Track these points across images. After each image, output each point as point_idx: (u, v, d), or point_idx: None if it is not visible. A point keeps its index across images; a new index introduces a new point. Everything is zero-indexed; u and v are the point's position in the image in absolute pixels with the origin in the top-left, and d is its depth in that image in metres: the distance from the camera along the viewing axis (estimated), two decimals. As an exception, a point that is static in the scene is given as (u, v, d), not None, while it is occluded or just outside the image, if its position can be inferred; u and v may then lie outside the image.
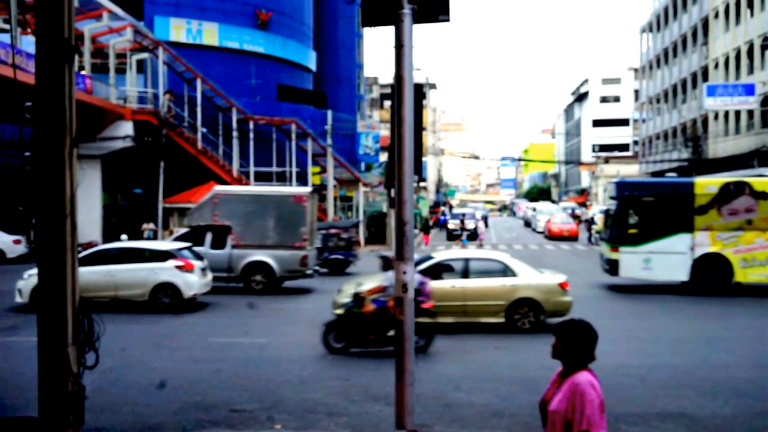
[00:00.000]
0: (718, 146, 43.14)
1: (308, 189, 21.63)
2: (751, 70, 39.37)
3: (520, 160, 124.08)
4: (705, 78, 45.52)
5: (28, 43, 25.88)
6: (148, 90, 33.28)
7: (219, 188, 21.26)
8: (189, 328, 14.15)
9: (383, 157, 49.38)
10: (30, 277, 15.64)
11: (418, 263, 13.77)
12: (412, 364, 5.88)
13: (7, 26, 28.84)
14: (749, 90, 36.42)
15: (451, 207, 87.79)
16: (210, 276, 17.27)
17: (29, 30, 21.23)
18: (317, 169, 39.96)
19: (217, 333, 13.51)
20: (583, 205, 71.19)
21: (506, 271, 13.65)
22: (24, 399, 8.06)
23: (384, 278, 11.77)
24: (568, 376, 3.76)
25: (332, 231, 25.08)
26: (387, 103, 69.33)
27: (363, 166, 50.19)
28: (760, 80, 37.17)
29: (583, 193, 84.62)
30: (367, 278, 14.22)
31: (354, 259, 24.93)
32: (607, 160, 71.79)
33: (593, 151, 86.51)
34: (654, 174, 51.58)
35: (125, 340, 12.14)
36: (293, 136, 37.21)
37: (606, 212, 22.28)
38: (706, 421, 8.05)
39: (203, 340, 12.68)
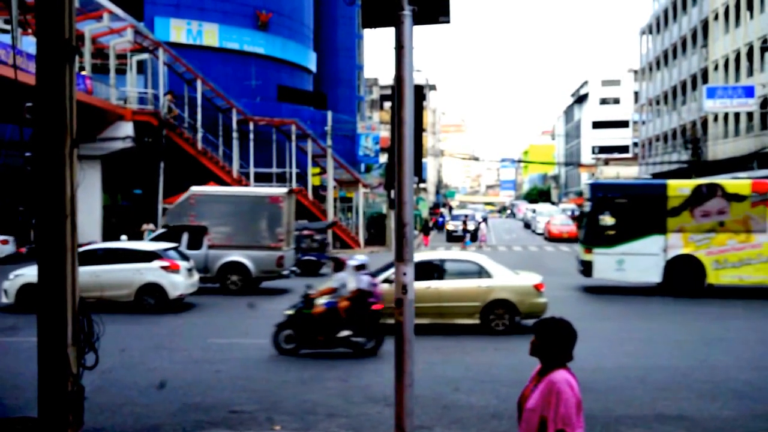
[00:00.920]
0: (718, 148, 43.15)
1: (284, 190, 21.65)
2: (750, 72, 39.38)
3: (519, 161, 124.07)
4: (705, 80, 45.54)
5: (28, 43, 25.87)
6: (148, 91, 33.27)
7: (195, 189, 21.28)
8: (188, 329, 14.16)
9: (383, 158, 49.35)
10: (16, 278, 15.67)
11: (390, 265, 13.82)
12: (411, 365, 5.88)
13: (7, 27, 28.83)
14: (749, 92, 36.42)
15: (450, 208, 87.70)
16: (196, 276, 17.29)
17: (30, 30, 21.21)
18: (317, 170, 39.94)
19: (217, 334, 13.52)
20: (582, 206, 71.09)
21: (481, 273, 13.61)
22: (23, 399, 8.06)
23: (334, 279, 11.78)
24: (546, 375, 3.75)
25: (305, 232, 25.07)
26: (387, 105, 69.32)
27: (363, 167, 50.16)
28: (759, 82, 37.17)
29: (583, 194, 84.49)
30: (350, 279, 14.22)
31: (327, 260, 24.89)
32: (606, 162, 71.80)
33: (593, 152, 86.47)
34: (654, 176, 51.58)
35: (125, 340, 12.14)
36: (293, 137, 37.20)
37: (580, 214, 22.36)
38: (706, 423, 8.04)
39: (202, 341, 12.68)
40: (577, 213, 60.69)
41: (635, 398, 9.02)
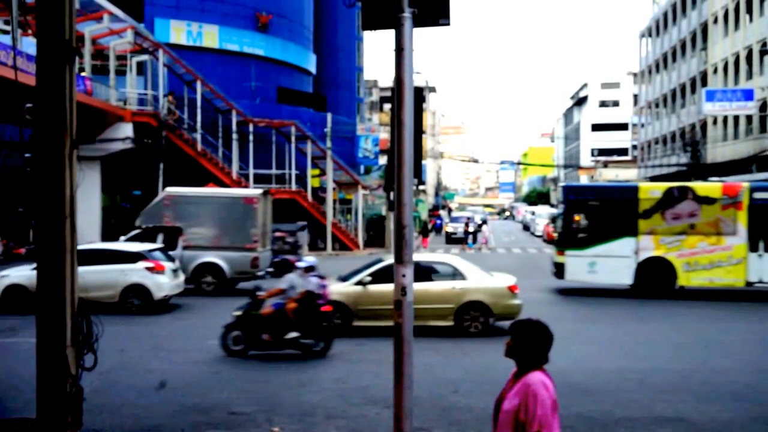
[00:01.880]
0: (717, 151, 43.18)
1: (259, 191, 21.70)
2: (749, 76, 39.42)
3: (519, 163, 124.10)
4: (704, 83, 45.59)
5: (28, 44, 25.87)
6: (148, 92, 33.27)
7: (170, 190, 21.33)
8: (187, 331, 14.15)
9: (382, 160, 49.35)
10: (1, 279, 15.74)
11: (368, 266, 13.83)
12: (410, 367, 5.88)
13: (7, 27, 28.82)
14: (748, 95, 36.47)
15: (450, 210, 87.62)
16: (182, 277, 17.29)
17: (30, 31, 21.21)
18: (316, 171, 39.95)
19: (215, 335, 13.48)
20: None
21: (456, 275, 13.55)
22: (22, 400, 8.05)
23: (283, 280, 11.75)
24: (522, 377, 3.74)
25: (277, 234, 25.06)
26: (386, 106, 69.33)
27: (362, 168, 50.15)
28: (758, 85, 37.21)
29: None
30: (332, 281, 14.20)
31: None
32: (606, 165, 71.80)
33: (592, 155, 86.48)
34: (653, 178, 51.60)
35: (124, 341, 12.14)
36: (293, 138, 37.21)
37: (556, 216, 22.45)
38: (704, 426, 8.04)
39: (202, 342, 12.65)
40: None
41: (633, 400, 9.02)
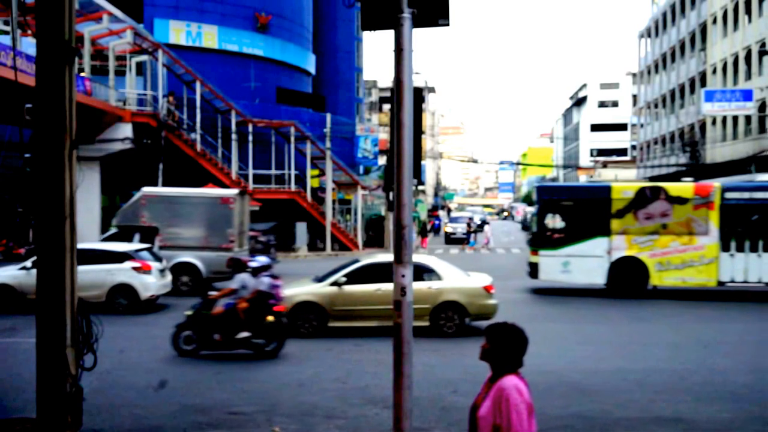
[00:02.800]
0: (716, 151, 43.20)
1: (236, 191, 21.69)
2: (748, 76, 39.46)
3: (518, 164, 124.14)
4: (703, 83, 45.61)
5: (28, 45, 25.87)
6: (147, 92, 33.25)
7: (147, 189, 21.29)
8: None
9: (382, 160, 49.37)
10: None
11: (344, 267, 13.81)
12: (409, 367, 5.88)
13: (7, 28, 28.82)
14: (747, 95, 36.49)
15: (449, 211, 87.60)
16: (169, 277, 17.27)
17: (30, 32, 21.22)
18: (316, 172, 39.94)
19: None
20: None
21: (431, 275, 13.48)
22: (22, 400, 8.06)
23: (234, 280, 11.72)
24: (496, 381, 3.71)
25: (250, 233, 24.98)
26: (386, 107, 69.31)
27: (361, 169, 50.14)
28: (757, 86, 37.24)
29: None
30: (305, 282, 14.15)
31: (273, 262, 24.75)
32: (605, 165, 71.81)
33: (591, 155, 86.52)
34: (651, 179, 51.62)
35: (123, 341, 12.14)
36: (292, 139, 37.20)
37: (531, 216, 22.49)
38: (703, 426, 8.05)
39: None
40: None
41: (632, 401, 9.03)
